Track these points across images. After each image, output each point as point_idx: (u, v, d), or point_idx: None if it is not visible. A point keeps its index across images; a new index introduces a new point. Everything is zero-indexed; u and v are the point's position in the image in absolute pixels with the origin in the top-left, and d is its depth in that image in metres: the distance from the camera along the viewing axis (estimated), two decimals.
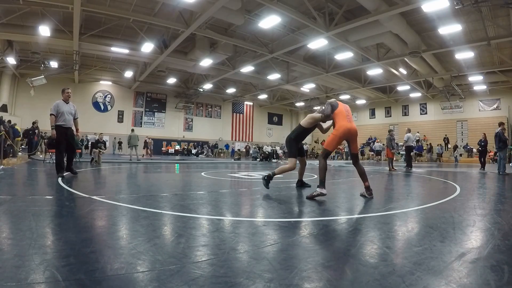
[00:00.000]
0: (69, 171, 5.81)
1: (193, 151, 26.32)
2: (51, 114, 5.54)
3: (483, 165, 11.64)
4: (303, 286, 1.35)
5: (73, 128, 5.89)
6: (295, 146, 4.54)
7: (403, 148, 13.51)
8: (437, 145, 22.80)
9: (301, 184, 4.97)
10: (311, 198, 3.73)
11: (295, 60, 17.86)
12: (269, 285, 1.34)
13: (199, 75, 22.47)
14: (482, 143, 12.13)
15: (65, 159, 5.83)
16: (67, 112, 5.61)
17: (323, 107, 4.26)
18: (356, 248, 1.93)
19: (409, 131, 11.86)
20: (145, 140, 20.29)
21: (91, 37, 14.91)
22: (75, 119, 5.88)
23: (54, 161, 6.17)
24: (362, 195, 3.99)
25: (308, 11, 12.18)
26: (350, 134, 3.89)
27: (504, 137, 9.63)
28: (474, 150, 19.76)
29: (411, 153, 12.60)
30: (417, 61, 16.46)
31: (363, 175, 3.97)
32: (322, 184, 3.79)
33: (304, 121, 4.61)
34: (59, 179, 5.07)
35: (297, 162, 4.85)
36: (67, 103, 5.70)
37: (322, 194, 3.76)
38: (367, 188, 3.90)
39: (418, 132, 24.27)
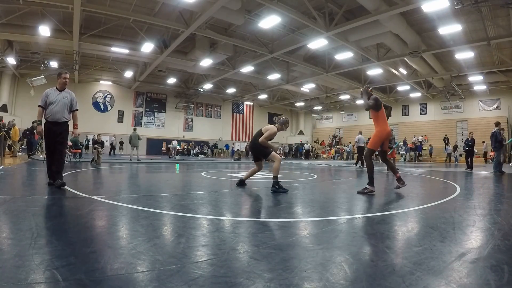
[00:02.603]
0: (53, 179, 4.26)
1: (193, 151, 26.30)
2: (38, 106, 4.28)
3: (470, 166, 11.31)
4: (303, 286, 1.35)
5: (69, 122, 4.50)
6: (261, 148, 4.73)
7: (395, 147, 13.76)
8: (429, 145, 23.24)
9: (241, 184, 5.02)
10: (362, 193, 4.24)
11: (295, 60, 17.84)
12: (269, 285, 1.34)
13: (199, 75, 22.45)
14: (469, 143, 11.94)
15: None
16: (60, 102, 4.29)
17: (363, 96, 4.86)
18: (356, 248, 1.93)
19: (360, 133, 13.08)
20: (168, 147, 21.32)
21: (91, 37, 14.90)
22: (73, 111, 4.50)
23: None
24: (396, 187, 4.60)
25: (308, 11, 12.17)
26: (388, 137, 4.67)
27: (500, 137, 9.65)
28: (476, 150, 19.73)
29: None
30: (417, 61, 16.44)
31: (393, 169, 4.70)
32: (371, 182, 4.27)
33: (265, 132, 4.70)
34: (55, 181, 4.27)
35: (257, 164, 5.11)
36: (61, 91, 4.39)
37: (372, 192, 4.19)
38: (399, 179, 4.51)
39: (414, 137, 24.36)
